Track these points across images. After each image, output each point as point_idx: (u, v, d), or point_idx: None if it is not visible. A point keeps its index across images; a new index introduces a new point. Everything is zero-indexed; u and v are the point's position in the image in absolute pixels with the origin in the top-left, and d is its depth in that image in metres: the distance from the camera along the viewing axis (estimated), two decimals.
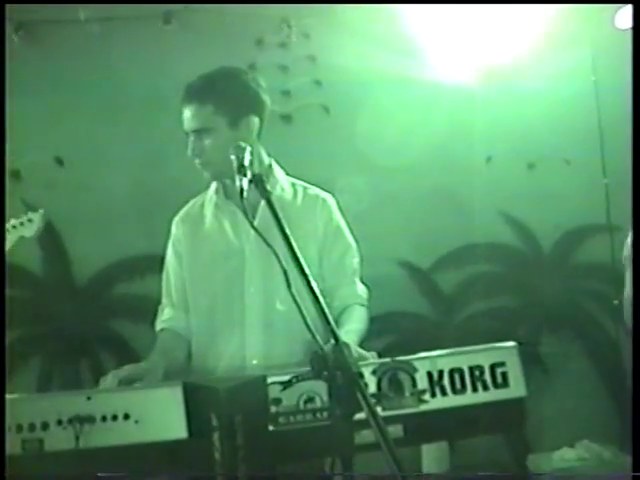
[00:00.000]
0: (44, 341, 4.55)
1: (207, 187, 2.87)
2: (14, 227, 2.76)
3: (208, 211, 2.84)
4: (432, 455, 4.45)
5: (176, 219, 2.92)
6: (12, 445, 2.03)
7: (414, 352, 2.21)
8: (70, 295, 4.55)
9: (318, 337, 1.80)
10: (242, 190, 2.12)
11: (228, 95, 2.67)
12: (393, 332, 4.59)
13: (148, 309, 4.43)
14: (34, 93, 4.51)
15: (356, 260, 2.83)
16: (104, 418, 2.04)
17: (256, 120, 2.71)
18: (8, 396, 2.08)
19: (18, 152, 4.48)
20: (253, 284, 2.68)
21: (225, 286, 2.72)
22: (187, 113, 2.68)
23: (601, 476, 2.75)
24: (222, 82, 2.70)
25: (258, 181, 2.14)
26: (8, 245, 2.76)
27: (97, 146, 4.50)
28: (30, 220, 2.77)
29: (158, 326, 2.86)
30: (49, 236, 4.51)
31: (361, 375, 1.81)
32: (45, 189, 4.50)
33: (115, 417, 2.04)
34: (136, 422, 2.03)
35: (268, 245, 2.01)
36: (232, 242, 2.73)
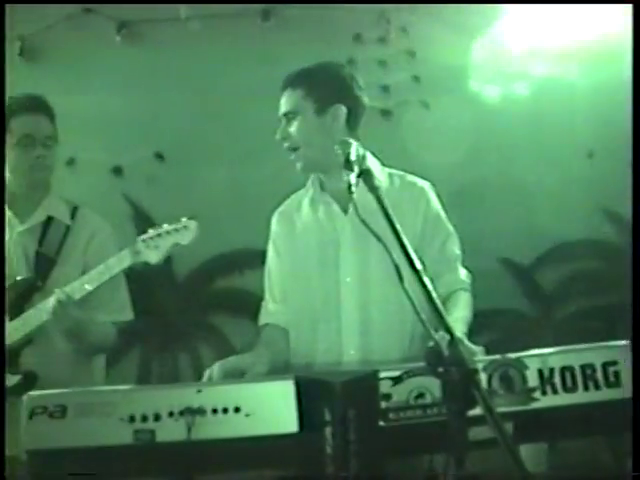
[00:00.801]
0: (144, 334, 4.62)
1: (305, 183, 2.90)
2: (168, 233, 2.78)
3: (305, 205, 2.85)
4: (529, 453, 4.39)
5: (275, 215, 2.94)
6: (124, 435, 2.06)
7: (514, 350, 2.17)
8: (170, 289, 4.61)
9: (433, 332, 1.79)
10: (350, 185, 2.11)
11: (318, 82, 2.69)
12: (493, 329, 4.54)
13: (246, 303, 4.51)
14: (135, 90, 4.58)
15: (457, 247, 2.81)
16: (215, 411, 2.04)
17: (343, 109, 2.70)
18: (122, 387, 2.12)
19: (120, 148, 4.58)
20: (349, 275, 2.69)
21: (321, 278, 2.73)
22: (281, 100, 2.73)
23: (601, 476, 2.70)
24: (315, 71, 2.73)
25: (366, 176, 2.13)
26: (162, 250, 2.80)
27: (197, 142, 4.56)
28: (186, 227, 2.78)
29: (261, 321, 2.88)
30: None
31: (477, 371, 1.78)
32: (146, 185, 4.58)
33: (226, 410, 2.04)
34: (247, 415, 2.03)
35: (378, 239, 2.00)
36: (327, 233, 2.73)
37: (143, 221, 4.57)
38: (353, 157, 2.18)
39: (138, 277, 4.53)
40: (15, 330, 2.87)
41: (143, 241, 2.79)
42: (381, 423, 2.02)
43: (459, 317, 2.58)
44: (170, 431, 2.04)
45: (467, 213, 4.01)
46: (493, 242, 4.63)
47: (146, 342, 4.62)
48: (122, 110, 4.54)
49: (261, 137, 4.46)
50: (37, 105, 3.00)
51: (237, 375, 2.38)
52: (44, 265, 2.96)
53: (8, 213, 3.03)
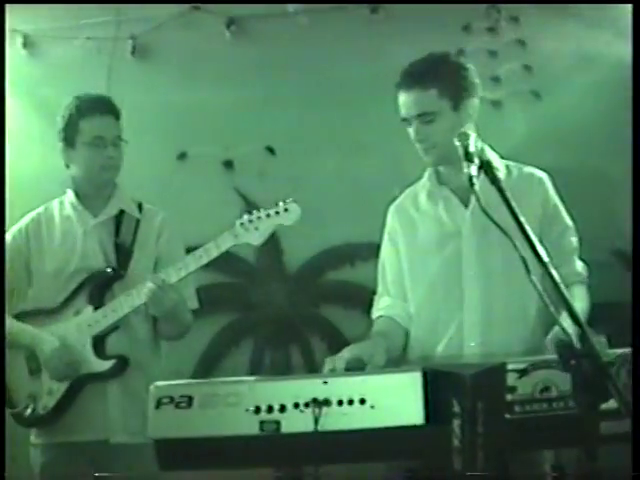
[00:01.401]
0: (256, 326, 4.67)
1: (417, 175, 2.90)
2: (268, 216, 2.86)
3: (422, 199, 2.85)
4: None
5: (391, 209, 2.95)
6: (249, 426, 2.09)
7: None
8: (281, 282, 4.65)
9: (565, 325, 1.76)
10: (471, 177, 2.09)
11: (449, 78, 2.69)
12: (609, 322, 4.44)
13: (358, 295, 4.52)
14: (246, 85, 4.62)
15: (575, 239, 2.78)
16: (340, 402, 2.06)
17: (476, 102, 2.74)
18: (248, 378, 2.14)
19: (231, 143, 4.63)
20: (471, 267, 2.68)
21: (443, 271, 2.73)
22: (407, 98, 2.70)
23: (601, 476, 2.64)
24: (442, 66, 2.72)
25: (487, 167, 2.11)
26: (264, 232, 2.87)
27: (307, 135, 4.57)
28: (287, 209, 2.86)
29: (375, 314, 2.89)
30: None
31: (611, 364, 1.76)
32: (257, 178, 4.62)
33: (351, 401, 2.05)
34: (372, 407, 2.04)
35: (503, 232, 1.98)
36: (448, 227, 2.74)
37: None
38: (472, 149, 2.16)
39: (250, 270, 4.63)
40: (104, 317, 3.01)
41: (242, 224, 2.92)
42: (507, 416, 2.00)
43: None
44: (296, 422, 2.06)
45: (580, 204, 3.93)
46: (605, 233, 4.52)
47: (257, 334, 4.66)
48: (233, 104, 4.58)
49: (372, 129, 4.50)
50: (106, 106, 3.16)
51: (358, 365, 2.38)
52: (122, 255, 3.11)
53: (79, 208, 3.18)
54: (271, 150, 4.64)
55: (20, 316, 3.15)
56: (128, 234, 3.12)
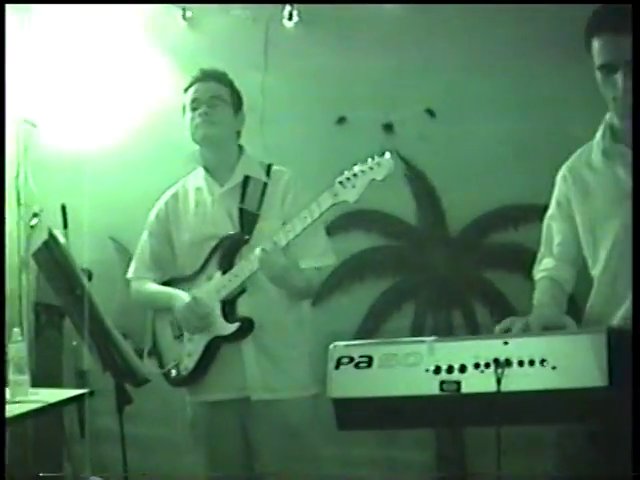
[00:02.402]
0: (418, 289, 4.68)
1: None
2: (363, 172, 2.87)
3: (596, 158, 2.75)
4: None
5: (561, 171, 2.86)
6: (429, 386, 2.10)
7: None
8: (443, 245, 4.63)
9: None
10: None
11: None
12: None
13: (521, 259, 4.44)
14: (403, 47, 4.59)
15: None
16: (521, 363, 2.04)
17: None
18: (427, 338, 2.15)
19: (391, 106, 4.62)
20: None
21: (622, 231, 2.63)
22: (613, 43, 2.55)
23: (601, 476, 2.48)
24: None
25: None
26: (359, 188, 2.88)
27: (468, 96, 4.51)
28: (379, 164, 2.86)
29: (537, 275, 2.84)
30: (422, 186, 4.63)
31: None
32: (417, 141, 4.60)
33: (532, 362, 2.04)
34: (553, 368, 2.02)
35: None
36: (626, 185, 2.63)
37: (416, 178, 4.63)
38: None
39: (411, 232, 4.63)
40: (229, 281, 3.11)
41: (340, 182, 2.91)
42: None
43: None
44: (476, 382, 2.06)
45: None
46: None
47: (419, 297, 4.66)
48: (391, 67, 4.57)
49: (536, 88, 4.40)
50: (210, 75, 3.27)
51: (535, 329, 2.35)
52: (248, 220, 3.16)
53: (208, 179, 3.29)
54: (431, 112, 4.60)
55: (167, 284, 3.32)
56: (254, 198, 3.18)
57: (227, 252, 3.15)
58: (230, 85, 3.29)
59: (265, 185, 3.22)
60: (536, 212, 4.31)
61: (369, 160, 2.90)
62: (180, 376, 3.23)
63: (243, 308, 3.13)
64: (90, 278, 3.52)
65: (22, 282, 4.87)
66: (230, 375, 3.16)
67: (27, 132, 4.95)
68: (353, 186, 2.89)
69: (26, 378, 3.47)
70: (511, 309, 4.29)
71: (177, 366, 3.24)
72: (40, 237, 3.72)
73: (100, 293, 3.40)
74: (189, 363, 3.19)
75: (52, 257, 3.21)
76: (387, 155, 2.89)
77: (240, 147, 3.32)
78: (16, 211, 4.91)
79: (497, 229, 4.55)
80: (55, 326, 4.80)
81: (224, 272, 3.13)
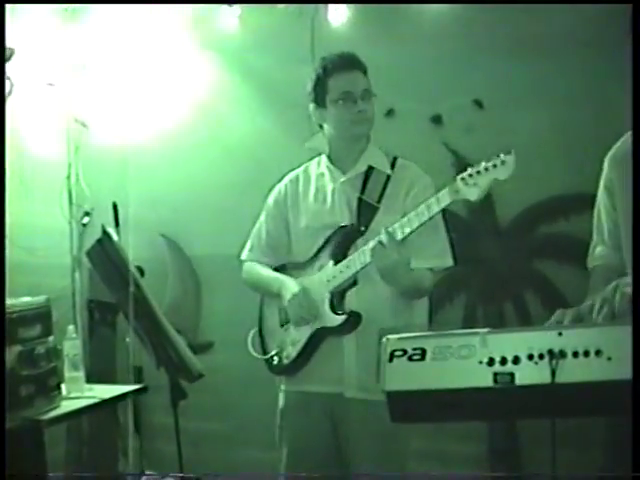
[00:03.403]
0: (469, 281, 4.66)
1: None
2: (487, 169, 2.82)
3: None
4: None
5: (607, 158, 2.85)
6: (483, 378, 2.09)
7: None
8: (494, 236, 4.60)
9: None
10: None
11: None
12: None
13: (572, 249, 4.41)
14: (451, 39, 4.57)
15: None
16: (575, 354, 2.03)
17: None
18: (480, 330, 2.14)
19: (439, 97, 4.60)
20: None
21: None
22: None
23: (601, 476, 2.40)
24: None
25: None
26: (482, 187, 2.82)
27: (516, 87, 4.46)
28: (503, 162, 2.81)
29: (591, 263, 2.82)
30: None
31: None
32: (466, 133, 4.57)
33: (587, 353, 2.02)
34: (609, 359, 2.00)
35: None
36: None
37: (464, 169, 4.58)
38: None
39: (461, 224, 4.61)
40: (340, 273, 3.06)
41: (462, 179, 2.85)
42: None
43: None
44: (530, 374, 2.05)
45: None
46: None
47: (470, 289, 4.64)
48: (438, 59, 4.54)
49: (581, 79, 4.35)
50: (351, 62, 3.15)
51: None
52: (366, 211, 3.10)
53: (331, 167, 3.22)
54: (479, 103, 4.57)
55: (280, 269, 3.29)
56: (375, 190, 3.12)
57: (341, 242, 3.11)
58: (367, 72, 3.19)
59: (388, 178, 3.16)
60: (585, 202, 4.30)
61: (494, 158, 2.84)
62: (282, 364, 3.21)
63: (352, 301, 3.08)
64: (142, 275, 3.55)
65: (75, 280, 4.93)
66: (328, 368, 3.12)
67: (78, 132, 5.00)
68: (475, 184, 2.84)
69: (81, 374, 3.52)
70: (562, 299, 4.26)
71: (279, 354, 3.21)
72: (93, 235, 3.78)
73: (152, 290, 3.44)
74: (292, 352, 3.16)
75: (106, 254, 3.25)
76: (509, 156, 2.84)
77: (368, 136, 3.24)
78: (68, 210, 4.97)
79: (547, 219, 4.51)
80: (108, 323, 4.86)
81: (336, 262, 3.08)
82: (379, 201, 3.11)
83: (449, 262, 3.18)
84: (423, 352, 2.15)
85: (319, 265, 3.14)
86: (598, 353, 2.02)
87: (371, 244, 2.94)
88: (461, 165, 4.56)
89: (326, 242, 3.14)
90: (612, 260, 2.76)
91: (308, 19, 4.73)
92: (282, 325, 3.23)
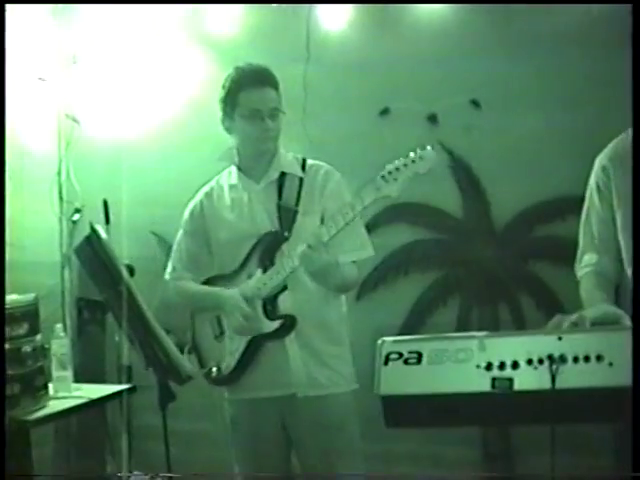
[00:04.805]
0: (464, 283, 4.61)
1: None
2: (405, 165, 2.81)
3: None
4: None
5: (598, 160, 2.82)
6: (481, 383, 2.05)
7: None
8: (489, 237, 4.56)
9: None
10: None
11: None
12: None
13: (568, 251, 4.37)
14: (446, 37, 4.53)
15: None
16: (576, 359, 1.98)
17: None
18: (478, 334, 2.09)
19: (435, 97, 4.55)
20: None
21: None
22: None
23: (601, 476, 2.39)
24: None
25: None
26: (401, 182, 2.81)
27: (513, 87, 4.43)
28: (422, 157, 2.80)
29: (580, 271, 2.79)
30: (467, 178, 4.56)
31: None
32: (462, 133, 4.53)
33: (587, 358, 1.98)
34: (610, 364, 1.96)
35: None
36: None
37: (460, 170, 4.55)
38: None
39: (457, 226, 4.57)
40: (270, 279, 3.07)
41: (382, 177, 2.84)
42: None
43: None
44: (530, 379, 2.00)
45: None
46: None
47: (465, 291, 4.60)
48: (435, 57, 4.50)
49: (580, 80, 4.32)
50: (264, 78, 3.15)
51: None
52: (287, 216, 3.12)
53: (243, 177, 3.25)
54: (476, 103, 4.53)
55: (205, 283, 3.31)
56: (291, 195, 3.14)
57: (267, 249, 3.11)
58: (279, 87, 3.20)
59: (301, 180, 3.18)
60: (582, 204, 4.28)
61: (411, 154, 2.83)
62: (221, 375, 3.22)
63: (285, 305, 3.10)
64: (132, 273, 3.49)
65: (64, 278, 4.88)
66: (275, 372, 3.14)
67: (69, 128, 4.95)
68: (395, 180, 2.82)
69: (69, 374, 3.48)
70: (557, 302, 4.24)
71: (218, 365, 3.22)
72: (83, 233, 3.71)
73: (142, 288, 3.38)
74: (231, 361, 3.18)
75: (94, 252, 3.19)
76: (429, 148, 2.82)
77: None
78: (58, 207, 4.91)
79: (543, 221, 4.48)
80: (98, 322, 4.80)
81: (265, 270, 3.09)
82: (297, 204, 3.13)
83: (370, 252, 3.22)
84: (419, 355, 2.10)
85: (247, 274, 3.15)
86: (599, 358, 1.98)
87: (299, 249, 2.94)
88: (458, 165, 4.56)
89: (252, 251, 3.15)
90: (603, 267, 2.71)
91: (303, 18, 4.69)
92: (216, 337, 3.25)
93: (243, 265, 3.17)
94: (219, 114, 3.23)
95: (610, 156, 2.78)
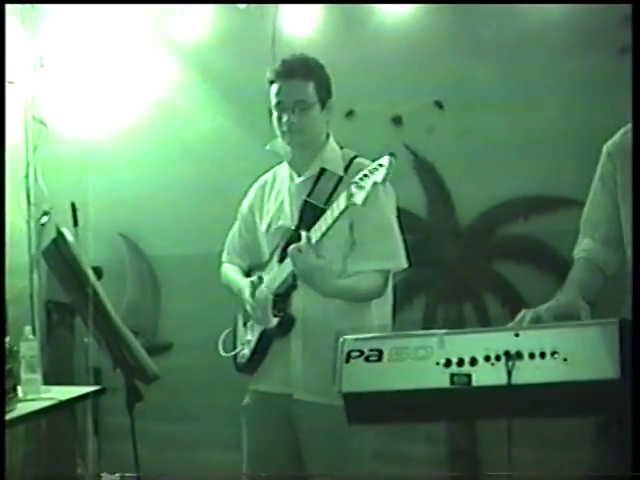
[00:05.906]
0: (429, 282, 4.66)
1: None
2: (370, 172, 2.81)
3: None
4: None
5: (605, 148, 2.80)
6: (440, 379, 2.10)
7: None
8: (453, 237, 4.61)
9: None
10: None
11: None
12: None
13: (532, 250, 4.46)
14: (409, 39, 4.56)
15: None
16: (532, 355, 2.03)
17: None
18: (437, 331, 2.14)
19: (399, 98, 4.59)
20: None
21: None
22: None
23: (601, 476, 2.46)
24: None
25: None
26: (365, 190, 2.77)
27: (476, 89, 4.47)
28: (381, 165, 2.81)
29: (577, 254, 2.80)
30: (432, 179, 4.61)
31: None
32: (426, 134, 4.58)
33: (543, 354, 2.03)
34: (565, 360, 2.01)
35: None
36: None
37: (425, 170, 4.60)
38: None
39: (421, 226, 4.62)
40: (279, 275, 3.08)
41: (355, 183, 2.82)
42: None
43: None
44: (487, 375, 2.05)
45: None
46: None
47: (430, 291, 4.65)
48: (399, 59, 4.54)
49: (541, 83, 4.38)
50: (295, 70, 3.10)
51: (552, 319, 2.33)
52: (310, 214, 3.07)
53: (290, 169, 3.23)
54: (440, 105, 4.58)
55: (250, 270, 3.36)
56: (323, 193, 3.09)
57: (285, 245, 3.09)
58: (315, 77, 3.12)
59: (340, 179, 3.11)
60: (544, 204, 4.33)
61: (372, 163, 2.82)
62: (239, 363, 3.28)
63: (293, 303, 3.10)
64: (101, 276, 3.51)
65: (33, 280, 4.88)
66: (277, 369, 3.16)
67: (37, 131, 4.96)
68: (361, 187, 2.80)
69: (38, 376, 3.49)
70: (521, 300, 4.27)
71: (241, 352, 3.27)
72: (51, 235, 3.73)
73: (111, 290, 3.41)
74: (247, 351, 3.23)
75: (61, 255, 3.22)
76: (384, 159, 2.79)
77: (327, 136, 3.22)
78: (26, 210, 4.92)
79: (506, 221, 4.52)
80: (66, 324, 4.81)
81: (280, 265, 3.11)
82: (326, 203, 3.04)
83: (401, 264, 3.19)
84: (380, 353, 2.15)
85: (270, 267, 3.18)
86: (554, 354, 2.03)
87: (291, 248, 2.91)
88: (422, 166, 4.61)
89: (277, 245, 3.18)
90: (597, 254, 2.73)
91: (269, 19, 4.71)
92: (244, 324, 3.29)
93: (270, 258, 3.21)
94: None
95: (617, 144, 2.77)
